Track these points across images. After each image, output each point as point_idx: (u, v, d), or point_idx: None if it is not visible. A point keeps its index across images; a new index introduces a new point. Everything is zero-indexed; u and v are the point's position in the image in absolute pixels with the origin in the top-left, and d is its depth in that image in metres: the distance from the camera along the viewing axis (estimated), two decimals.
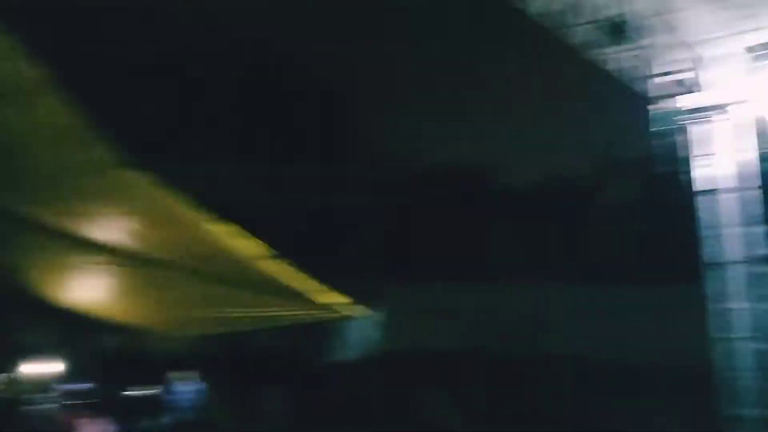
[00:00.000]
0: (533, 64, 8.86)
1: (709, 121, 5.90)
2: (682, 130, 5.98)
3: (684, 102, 5.94)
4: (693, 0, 5.34)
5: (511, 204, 11.10)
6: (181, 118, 9.61)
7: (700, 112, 5.90)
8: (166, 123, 9.24)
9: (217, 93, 9.93)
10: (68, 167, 7.72)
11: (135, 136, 7.45)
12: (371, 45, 9.16)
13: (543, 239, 10.87)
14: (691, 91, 5.91)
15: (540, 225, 10.89)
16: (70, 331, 10.54)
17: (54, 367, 10.62)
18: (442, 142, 10.93)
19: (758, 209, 5.70)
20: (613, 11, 5.68)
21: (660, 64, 5.93)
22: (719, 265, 5.76)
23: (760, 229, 5.64)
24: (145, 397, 10.65)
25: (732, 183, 5.79)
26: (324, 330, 11.11)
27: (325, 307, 9.37)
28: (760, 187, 5.74)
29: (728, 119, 5.83)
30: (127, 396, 10.48)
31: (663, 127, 5.99)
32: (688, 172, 5.96)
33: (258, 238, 8.43)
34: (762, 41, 5.53)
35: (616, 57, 5.95)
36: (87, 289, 10.12)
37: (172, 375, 11.09)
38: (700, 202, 5.91)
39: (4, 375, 10.60)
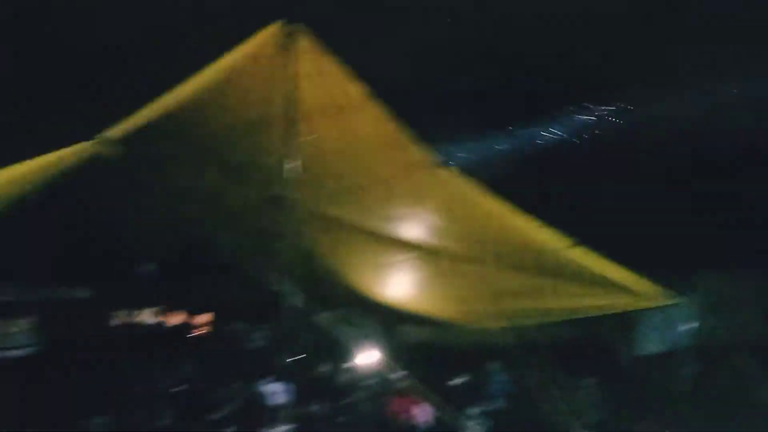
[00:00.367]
0: None
1: None
2: None
3: None
4: None
5: None
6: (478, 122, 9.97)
7: None
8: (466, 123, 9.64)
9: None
10: (385, 172, 8.48)
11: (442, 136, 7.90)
12: None
13: None
14: None
15: None
16: (387, 323, 11.53)
17: (374, 357, 11.68)
18: None
19: None
20: None
21: None
22: None
23: None
24: (460, 385, 11.18)
25: None
26: (635, 320, 10.58)
27: (637, 295, 8.89)
28: None
29: None
30: (444, 384, 11.09)
31: None
32: None
33: (563, 228, 8.34)
34: None
35: None
36: (401, 285, 10.97)
37: (484, 365, 11.50)
38: None
39: (337, 364, 11.98)
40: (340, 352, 12.10)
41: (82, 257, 10.44)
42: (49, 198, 7.63)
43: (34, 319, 15.35)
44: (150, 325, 16.91)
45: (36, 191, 7.17)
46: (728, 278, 11.94)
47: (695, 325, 11.67)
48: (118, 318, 22.57)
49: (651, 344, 11.45)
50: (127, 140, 7.12)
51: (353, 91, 7.29)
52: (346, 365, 12.00)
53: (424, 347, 11.79)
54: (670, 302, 9.28)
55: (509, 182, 8.57)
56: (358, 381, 11.56)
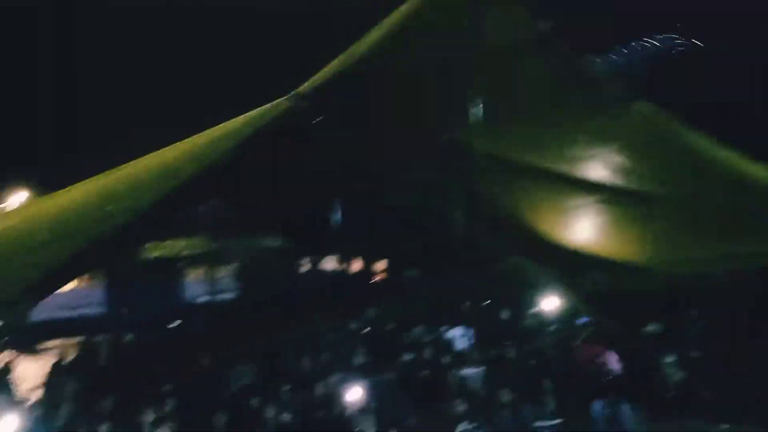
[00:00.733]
0: None
1: None
2: None
3: None
4: None
5: None
6: None
7: None
8: None
9: None
10: (570, 111, 8.09)
11: None
12: None
13: None
14: None
15: None
16: (574, 268, 11.15)
17: (561, 302, 11.43)
18: None
19: None
20: None
21: None
22: None
23: None
24: (653, 332, 10.63)
25: None
26: None
27: None
28: None
29: None
30: (635, 332, 10.62)
31: None
32: None
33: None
34: None
35: None
36: (588, 228, 10.54)
37: (678, 311, 10.84)
38: None
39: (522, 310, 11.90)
40: (525, 298, 11.99)
41: (276, 207, 11.16)
42: (249, 153, 8.22)
43: (236, 267, 16.92)
44: (337, 272, 17.88)
45: (237, 147, 7.73)
46: None
47: None
48: (309, 265, 24.27)
49: None
50: (316, 94, 7.42)
51: (535, 31, 6.99)
52: (531, 311, 11.86)
53: (614, 293, 11.25)
54: None
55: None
56: (544, 327, 11.39)
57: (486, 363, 9.53)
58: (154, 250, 20.70)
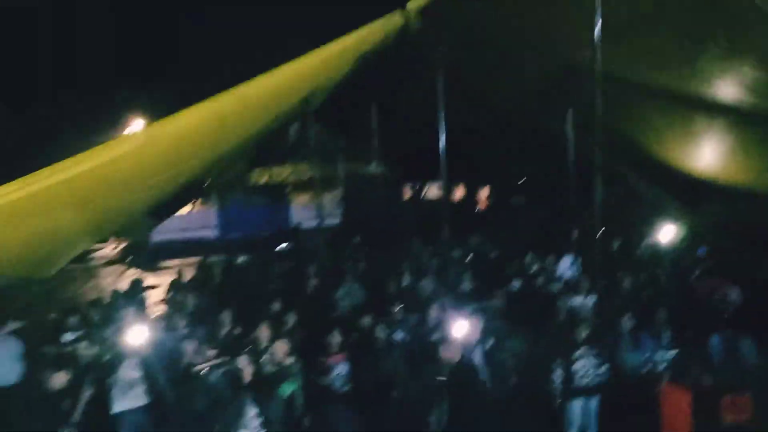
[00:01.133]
0: None
1: None
2: None
3: None
4: None
5: None
6: None
7: None
8: None
9: None
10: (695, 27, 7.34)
11: None
12: None
13: None
14: None
15: None
16: (689, 195, 10.47)
17: (678, 231, 10.82)
18: None
19: None
20: None
21: None
22: None
23: None
24: None
25: None
26: None
27: None
28: None
29: None
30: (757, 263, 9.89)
31: None
32: None
33: None
34: None
35: None
36: (710, 153, 9.80)
37: None
38: None
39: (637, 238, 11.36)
40: (641, 226, 11.43)
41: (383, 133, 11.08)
42: (358, 74, 8.12)
43: (341, 192, 17.20)
44: (437, 199, 17.72)
45: (351, 65, 7.56)
46: None
47: None
48: (410, 191, 24.35)
49: None
50: (428, 11, 7.10)
51: None
52: (648, 240, 11.30)
53: (736, 223, 10.49)
54: None
55: None
56: (661, 257, 10.83)
57: (599, 292, 9.21)
58: (262, 176, 21.44)
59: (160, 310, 10.40)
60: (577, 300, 8.92)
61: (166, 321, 8.31)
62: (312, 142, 11.94)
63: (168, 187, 8.74)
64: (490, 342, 6.89)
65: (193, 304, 9.18)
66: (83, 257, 18.27)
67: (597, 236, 9.42)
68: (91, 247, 17.53)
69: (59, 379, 5.65)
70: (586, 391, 6.72)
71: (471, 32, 8.20)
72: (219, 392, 5.56)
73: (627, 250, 11.26)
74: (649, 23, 7.93)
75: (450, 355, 6.70)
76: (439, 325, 7.38)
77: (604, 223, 9.28)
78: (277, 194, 21.62)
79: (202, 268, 12.66)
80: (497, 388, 6.86)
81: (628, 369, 6.86)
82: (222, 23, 22.57)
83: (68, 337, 7.78)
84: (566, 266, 10.62)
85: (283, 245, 15.89)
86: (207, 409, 5.39)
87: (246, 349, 6.74)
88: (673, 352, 7.69)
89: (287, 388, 6.53)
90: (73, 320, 8.15)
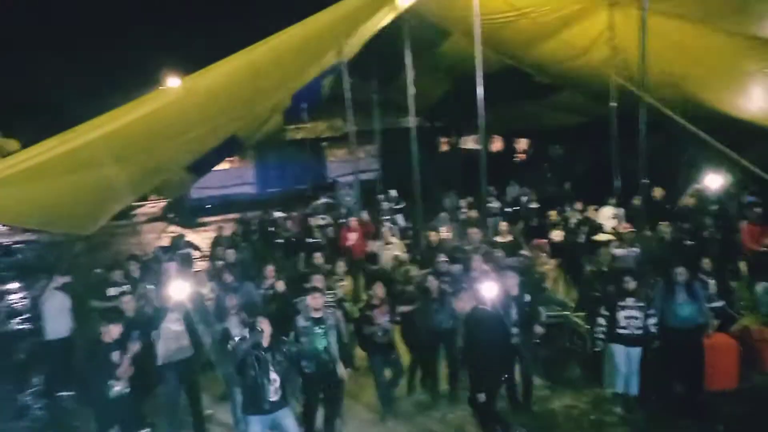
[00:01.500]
0: None
1: None
2: None
3: None
4: None
5: None
6: None
7: None
8: None
9: None
10: None
11: None
12: None
13: None
14: None
15: None
16: (736, 141, 10.03)
17: (723, 180, 10.47)
18: None
19: None
20: None
21: None
22: None
23: None
24: None
25: None
26: None
27: None
28: None
29: None
30: None
31: None
32: None
33: None
34: None
35: None
36: (757, 97, 9.34)
37: None
38: None
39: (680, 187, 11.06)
40: (686, 173, 11.10)
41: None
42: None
43: (375, 147, 17.11)
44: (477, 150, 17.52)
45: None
46: None
47: None
48: (446, 144, 24.13)
49: None
50: None
51: None
52: (690, 189, 10.96)
53: None
54: None
55: None
56: (705, 204, 10.52)
57: (637, 241, 9.01)
58: (297, 132, 21.37)
59: (201, 265, 10.55)
60: (620, 251, 8.74)
61: (209, 276, 8.40)
62: (347, 95, 11.80)
63: (206, 140, 8.74)
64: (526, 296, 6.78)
65: (235, 259, 9.27)
66: (125, 214, 18.63)
67: (640, 185, 9.19)
68: (133, 204, 17.82)
69: (108, 333, 5.76)
70: (630, 340, 6.61)
71: None
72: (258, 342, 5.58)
73: (672, 198, 10.94)
74: None
75: (462, 305, 6.73)
76: (477, 276, 7.30)
77: (647, 172, 9.02)
78: (313, 149, 21.59)
79: (241, 223, 12.78)
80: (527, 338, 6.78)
81: (678, 319, 6.71)
82: None
83: (113, 292, 7.93)
84: (608, 216, 10.40)
85: (321, 200, 15.93)
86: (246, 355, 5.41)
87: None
88: (721, 302, 7.52)
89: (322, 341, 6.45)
90: (117, 275, 8.30)
